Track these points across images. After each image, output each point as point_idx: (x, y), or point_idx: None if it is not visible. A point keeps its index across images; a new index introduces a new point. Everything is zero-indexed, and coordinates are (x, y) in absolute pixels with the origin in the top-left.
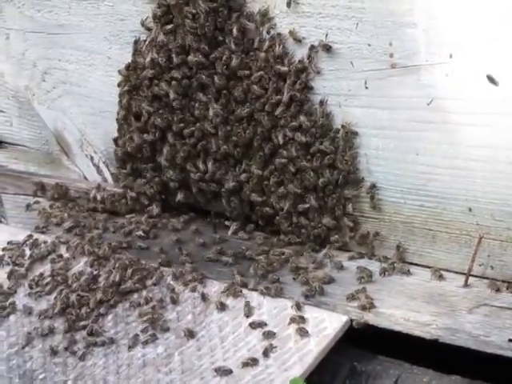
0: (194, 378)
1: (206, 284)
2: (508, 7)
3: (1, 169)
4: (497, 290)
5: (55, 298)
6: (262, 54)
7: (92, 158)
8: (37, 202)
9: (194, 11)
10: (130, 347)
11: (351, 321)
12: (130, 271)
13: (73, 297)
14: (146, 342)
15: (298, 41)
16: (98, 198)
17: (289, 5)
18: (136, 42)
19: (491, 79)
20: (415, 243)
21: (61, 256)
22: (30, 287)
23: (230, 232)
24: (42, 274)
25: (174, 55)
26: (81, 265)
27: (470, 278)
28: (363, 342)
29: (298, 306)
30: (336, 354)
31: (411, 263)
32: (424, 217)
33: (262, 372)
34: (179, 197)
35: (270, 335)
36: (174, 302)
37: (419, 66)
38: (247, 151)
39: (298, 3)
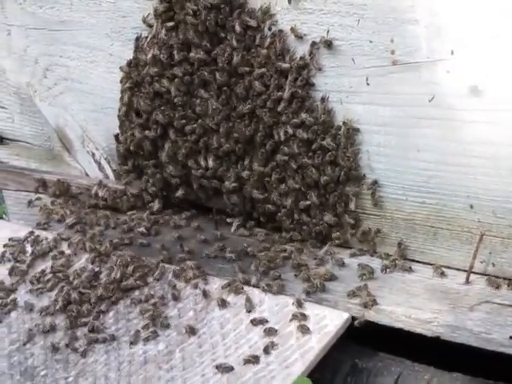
0: (195, 375)
1: (208, 281)
2: (509, 4)
3: (2, 165)
4: (496, 287)
5: (56, 294)
6: (264, 51)
7: (93, 155)
8: (38, 199)
9: (195, 8)
10: (132, 344)
11: (352, 318)
12: (131, 268)
13: (74, 294)
14: (147, 339)
15: (300, 37)
16: (100, 194)
17: (290, 1)
18: (138, 39)
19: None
20: (417, 240)
21: (62, 253)
22: (32, 284)
23: (232, 229)
24: (43, 271)
25: (175, 52)
26: (82, 261)
27: (472, 275)
28: (364, 339)
29: (299, 303)
30: (337, 351)
31: (413, 260)
32: (425, 214)
33: (263, 369)
34: (179, 193)
35: (271, 332)
36: (176, 298)
37: (421, 62)
38: (249, 148)
39: (300, 0)
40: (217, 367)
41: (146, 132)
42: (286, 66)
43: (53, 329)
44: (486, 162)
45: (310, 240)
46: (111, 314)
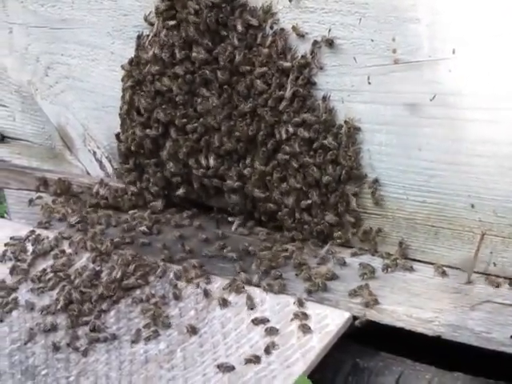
0: (196, 375)
1: (209, 280)
2: (511, 2)
3: (4, 164)
4: (496, 286)
5: (58, 293)
6: (265, 50)
7: (95, 153)
8: (39, 197)
9: (197, 7)
10: (133, 343)
11: (354, 317)
12: (132, 267)
13: (75, 293)
14: (148, 338)
15: (301, 36)
16: (101, 193)
17: (291, 0)
18: (139, 37)
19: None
20: (418, 239)
21: (63, 252)
22: (33, 283)
23: (233, 228)
24: (44, 270)
25: (177, 50)
26: (83, 260)
27: (473, 274)
28: (366, 338)
29: (301, 303)
30: (338, 350)
31: (414, 260)
32: (426, 213)
33: (264, 368)
34: (180, 191)
35: (272, 331)
36: (177, 298)
37: (422, 61)
38: (250, 147)
39: None
40: (218, 367)
41: (147, 130)
42: (287, 64)
43: (54, 328)
44: (488, 160)
45: (311, 239)
46: (112, 313)
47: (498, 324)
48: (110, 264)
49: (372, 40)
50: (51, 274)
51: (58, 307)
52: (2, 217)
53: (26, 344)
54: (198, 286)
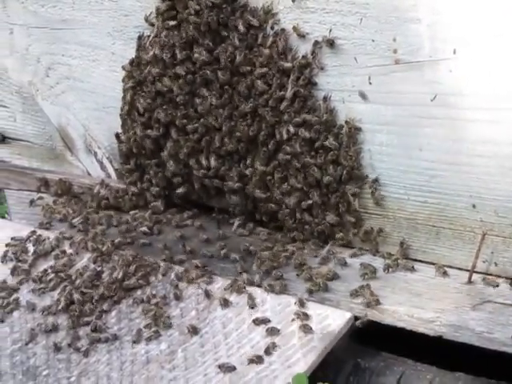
0: (197, 375)
1: (210, 280)
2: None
3: (4, 164)
4: (497, 286)
5: (59, 294)
6: (266, 50)
7: (96, 154)
8: (40, 198)
9: (197, 7)
10: (134, 343)
11: (355, 317)
12: (133, 267)
13: (76, 293)
14: (149, 339)
15: (302, 36)
16: (102, 193)
17: (293, 0)
18: (140, 38)
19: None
20: (419, 240)
21: (64, 252)
22: (34, 283)
23: (233, 228)
24: (45, 270)
25: (177, 51)
26: (84, 261)
27: (474, 274)
28: (367, 338)
29: (302, 303)
30: (339, 350)
31: (415, 260)
32: (427, 213)
33: (265, 369)
34: (180, 190)
35: (273, 332)
36: (178, 298)
37: (423, 61)
38: (251, 147)
39: None
40: (219, 367)
41: (148, 131)
42: (288, 65)
43: (55, 328)
44: (489, 161)
45: (312, 239)
46: (113, 313)
47: (500, 324)
48: (111, 264)
49: (373, 40)
50: (52, 275)
51: (59, 308)
52: (3, 217)
53: (27, 344)
54: (199, 286)
